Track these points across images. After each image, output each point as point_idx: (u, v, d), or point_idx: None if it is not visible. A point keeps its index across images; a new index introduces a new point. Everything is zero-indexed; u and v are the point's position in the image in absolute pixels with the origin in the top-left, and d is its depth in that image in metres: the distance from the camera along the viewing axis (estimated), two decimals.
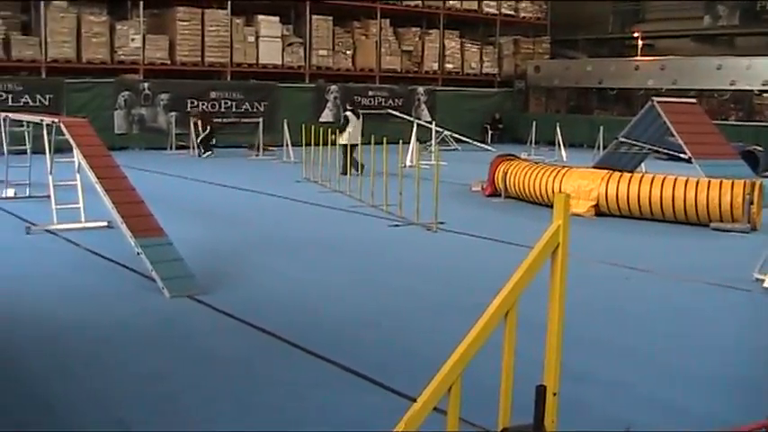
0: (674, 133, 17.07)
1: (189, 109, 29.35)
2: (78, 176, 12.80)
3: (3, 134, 16.46)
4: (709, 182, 14.75)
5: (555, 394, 3.83)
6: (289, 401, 6.10)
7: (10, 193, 16.24)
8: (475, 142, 31.36)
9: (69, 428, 5.62)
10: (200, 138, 26.78)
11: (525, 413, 3.85)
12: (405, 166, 18.52)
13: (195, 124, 27.20)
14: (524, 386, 3.95)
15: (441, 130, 28.93)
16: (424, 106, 35.47)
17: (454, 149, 29.93)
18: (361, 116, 21.91)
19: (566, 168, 16.90)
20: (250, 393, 6.27)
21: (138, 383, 6.49)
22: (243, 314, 8.33)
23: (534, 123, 30.19)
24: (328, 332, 7.92)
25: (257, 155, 26.71)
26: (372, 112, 33.56)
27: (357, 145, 20.83)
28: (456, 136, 30.87)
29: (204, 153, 26.49)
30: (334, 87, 33.31)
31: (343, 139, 20.82)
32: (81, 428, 5.61)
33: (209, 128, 27.03)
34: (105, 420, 5.73)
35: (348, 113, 21.76)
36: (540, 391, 3.61)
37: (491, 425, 3.98)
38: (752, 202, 14.20)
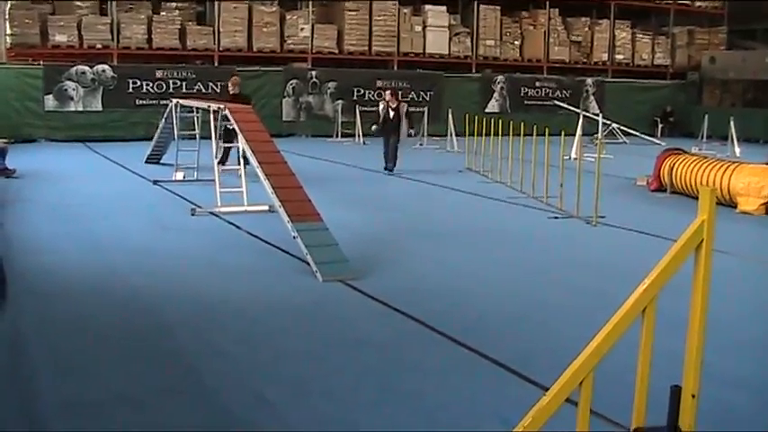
0: None
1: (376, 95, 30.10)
2: (242, 161, 13.15)
3: (174, 119, 17.07)
4: None
5: (694, 396, 3.67)
6: (430, 389, 6.09)
7: (179, 176, 16.84)
8: (644, 136, 30.54)
9: (215, 402, 5.79)
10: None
11: (663, 413, 3.72)
12: (568, 159, 18.25)
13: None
14: (667, 385, 3.81)
15: (608, 122, 28.34)
16: (592, 98, 34.83)
17: (622, 143, 29.28)
18: (399, 110, 19.85)
19: (736, 164, 16.25)
20: (393, 379, 6.29)
21: (285, 363, 6.62)
22: (393, 300, 8.36)
23: (707, 117, 29.21)
24: (477, 321, 7.86)
25: (422, 144, 26.81)
26: (539, 103, 33.25)
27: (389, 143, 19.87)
28: (624, 129, 30.16)
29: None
30: (500, 78, 33.12)
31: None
32: (226, 403, 5.76)
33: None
34: (249, 397, 5.86)
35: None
36: (675, 392, 3.47)
37: (625, 421, 3.85)
38: None
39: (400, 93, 23.50)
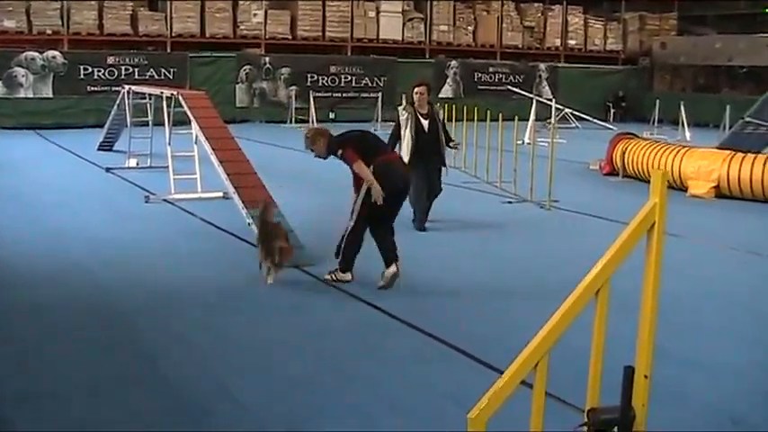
0: None
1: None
2: (195, 148, 13.08)
3: (127, 106, 16.92)
4: None
5: (646, 377, 3.72)
6: (389, 374, 6.13)
7: (132, 163, 16.71)
8: (596, 120, 30.76)
9: (173, 390, 5.78)
10: None
11: (618, 393, 3.76)
12: (522, 143, 18.34)
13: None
14: (622, 367, 3.85)
15: (561, 107, 28.51)
16: (545, 83, 35.00)
17: (575, 127, 29.50)
18: (436, 117, 11.72)
19: (686, 148, 16.46)
20: (353, 365, 6.33)
21: (244, 350, 6.61)
22: (349, 286, 8.39)
23: (658, 102, 29.49)
24: (434, 307, 7.90)
25: (375, 129, 26.79)
26: (492, 88, 33.35)
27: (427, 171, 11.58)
28: (577, 114, 30.37)
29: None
30: (454, 63, 33.18)
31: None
32: (185, 391, 5.74)
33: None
34: (209, 385, 5.85)
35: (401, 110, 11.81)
36: (628, 373, 3.50)
37: (580, 403, 3.89)
38: None
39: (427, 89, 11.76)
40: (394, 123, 11.73)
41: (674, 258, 9.29)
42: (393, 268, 8.39)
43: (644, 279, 3.64)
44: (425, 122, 11.43)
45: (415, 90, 11.51)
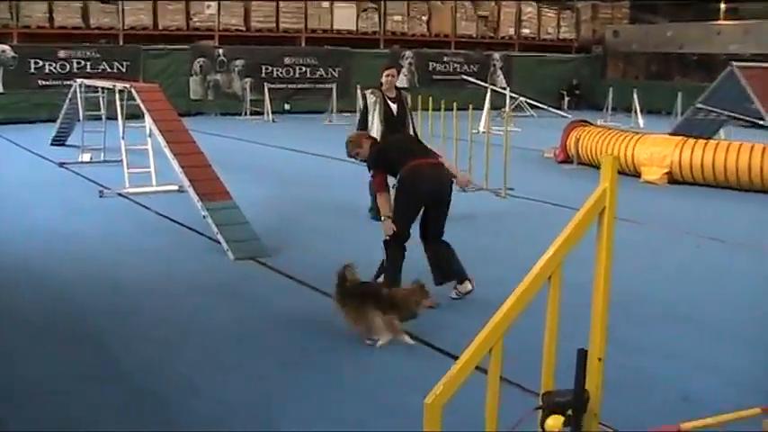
0: (754, 99, 16.63)
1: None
2: (149, 141, 13.00)
3: (79, 100, 16.75)
4: None
5: (600, 359, 3.77)
6: (345, 361, 6.17)
7: (86, 157, 16.56)
8: (551, 109, 30.94)
9: (133, 385, 5.76)
10: None
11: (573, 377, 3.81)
12: (477, 132, 18.41)
13: None
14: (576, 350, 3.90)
15: (516, 96, 28.66)
16: (499, 72, 35.14)
17: (529, 116, 29.63)
18: (404, 101, 11.42)
19: (639, 135, 16.62)
20: (311, 354, 6.34)
21: (203, 343, 6.60)
22: (305, 276, 8.41)
23: (611, 90, 29.73)
24: None
25: (330, 121, 26.77)
26: (447, 78, 33.42)
27: None
28: (531, 102, 30.54)
29: None
30: (408, 53, 33.21)
31: None
32: (145, 386, 5.72)
33: None
34: (169, 379, 5.83)
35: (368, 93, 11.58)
36: (582, 355, 3.54)
37: (535, 387, 3.93)
38: None
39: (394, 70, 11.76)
40: (361, 108, 11.58)
41: (630, 244, 9.42)
42: (468, 285, 7.88)
43: (596, 262, 3.69)
44: (394, 106, 11.20)
45: (385, 72, 11.30)
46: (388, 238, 7.69)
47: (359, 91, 25.72)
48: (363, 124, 11.18)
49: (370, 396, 5.55)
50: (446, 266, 7.86)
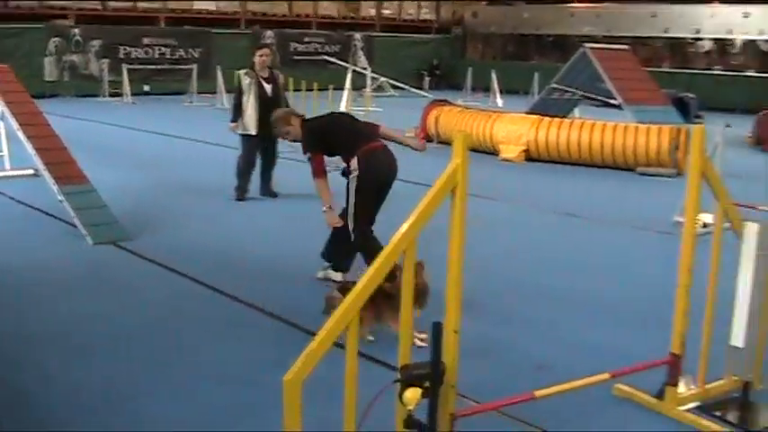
0: (605, 79, 17.19)
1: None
2: (2, 124, 12.59)
3: None
4: (637, 127, 14.94)
5: (456, 332, 3.88)
6: (211, 343, 6.12)
7: None
8: (412, 89, 31.25)
9: None
10: None
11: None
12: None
13: None
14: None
15: (377, 76, 28.82)
16: (361, 53, 35.28)
17: (391, 96, 29.85)
18: (278, 81, 11.55)
19: (497, 114, 16.98)
20: (175, 337, 6.28)
21: (65, 330, 6.45)
22: (166, 260, 8.31)
23: (471, 70, 30.23)
24: (248, 276, 7.91)
25: (191, 102, 26.42)
26: (308, 58, 33.36)
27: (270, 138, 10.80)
28: (393, 82, 30.77)
29: None
30: (269, 33, 32.99)
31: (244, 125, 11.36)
32: (4, 375, 5.56)
33: None
34: (31, 367, 5.68)
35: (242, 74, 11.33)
36: (437, 328, 3.64)
37: (393, 360, 4.02)
38: (677, 147, 14.40)
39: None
40: (235, 90, 11.37)
41: (490, 221, 9.64)
42: (338, 276, 7.53)
43: (450, 237, 3.79)
44: (268, 87, 11.27)
45: (258, 53, 11.36)
46: (354, 236, 7.25)
47: (219, 72, 25.45)
48: (238, 106, 11.22)
49: (233, 377, 5.53)
50: (344, 252, 7.54)
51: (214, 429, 4.76)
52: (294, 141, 7.68)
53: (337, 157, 7.55)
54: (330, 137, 7.38)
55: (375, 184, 7.22)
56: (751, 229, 4.92)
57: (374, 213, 7.38)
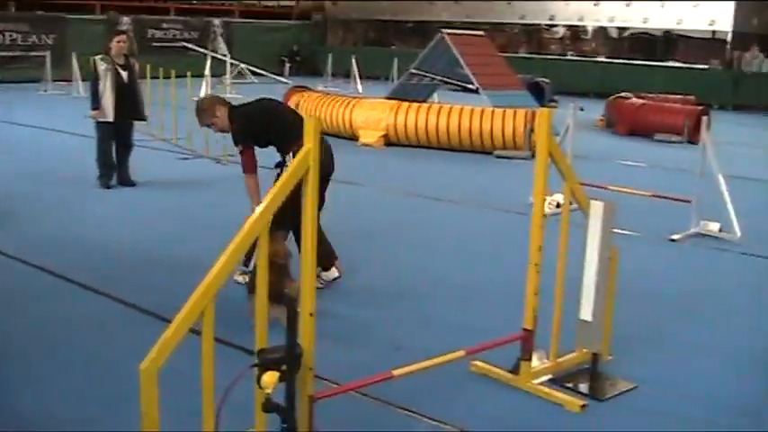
0: (463, 65, 17.47)
1: None
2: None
3: None
4: (493, 111, 15.24)
5: (312, 314, 3.91)
6: (79, 338, 6.00)
7: None
8: (272, 75, 31.08)
9: None
10: None
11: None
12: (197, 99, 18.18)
13: None
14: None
15: (237, 62, 28.57)
16: (220, 39, 34.85)
17: (251, 83, 29.60)
18: (133, 68, 11.35)
19: (356, 99, 17.07)
20: (40, 333, 6.12)
21: None
22: (24, 254, 8.04)
23: (331, 56, 30.28)
24: (115, 269, 7.77)
25: (45, 90, 25.65)
26: (166, 45, 32.80)
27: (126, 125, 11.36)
28: (253, 69, 30.53)
29: None
30: (126, 19, 32.25)
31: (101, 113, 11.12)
32: None
33: None
34: None
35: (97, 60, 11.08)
36: (291, 312, 3.66)
37: (251, 345, 4.02)
38: (533, 131, 14.75)
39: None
40: (92, 77, 11.11)
41: (349, 205, 9.70)
42: (334, 272, 7.11)
43: (303, 221, 3.82)
44: (124, 74, 11.11)
45: (116, 39, 11.23)
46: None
47: (74, 60, 24.78)
48: (95, 92, 11.02)
49: (96, 369, 5.44)
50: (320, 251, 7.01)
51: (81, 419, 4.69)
52: (222, 132, 7.25)
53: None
54: (264, 126, 6.90)
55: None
56: (596, 208, 5.11)
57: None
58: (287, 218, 6.38)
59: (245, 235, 3.63)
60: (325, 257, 6.81)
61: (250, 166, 6.84)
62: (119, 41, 11.13)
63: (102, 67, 10.96)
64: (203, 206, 10.55)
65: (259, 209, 3.66)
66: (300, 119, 6.55)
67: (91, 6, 31.83)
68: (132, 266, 7.86)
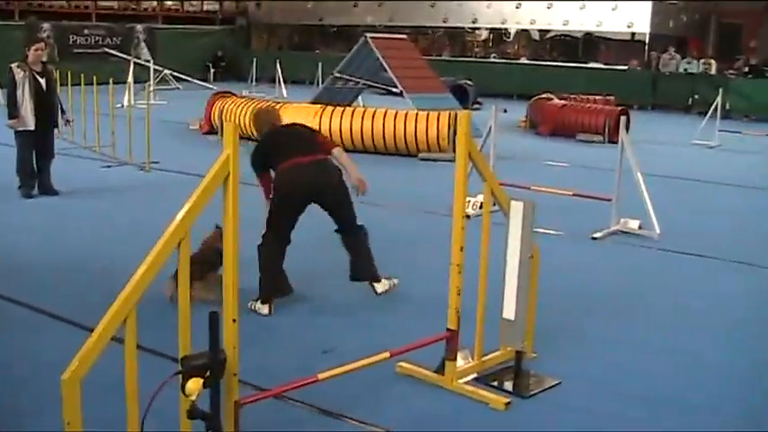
0: (387, 68, 17.54)
1: None
2: None
3: None
4: (417, 114, 15.35)
5: (234, 320, 3.93)
6: None
7: None
8: (197, 81, 30.81)
9: None
10: None
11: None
12: (120, 107, 18.02)
13: None
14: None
15: (160, 69, 28.31)
16: (143, 45, 34.48)
17: (175, 89, 29.37)
18: (51, 75, 11.18)
19: (281, 104, 17.03)
20: None
21: None
22: None
23: (256, 60, 30.19)
24: (29, 277, 7.67)
25: None
26: (89, 51, 32.36)
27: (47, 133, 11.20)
28: (177, 75, 30.26)
29: None
30: (46, 26, 31.72)
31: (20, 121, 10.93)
32: None
33: None
34: None
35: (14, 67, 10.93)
36: (213, 318, 3.66)
37: (174, 353, 4.02)
38: (456, 132, 14.86)
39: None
40: (8, 84, 10.87)
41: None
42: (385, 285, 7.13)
43: (224, 227, 3.83)
44: (42, 81, 10.91)
45: (34, 47, 10.98)
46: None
47: None
48: (13, 100, 10.80)
49: (17, 380, 5.38)
50: (359, 264, 7.12)
51: None
52: None
53: None
54: (269, 149, 6.89)
55: (286, 202, 6.74)
56: (516, 208, 5.20)
57: (286, 230, 6.89)
58: (282, 226, 6.69)
59: (167, 240, 3.63)
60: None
61: (266, 193, 6.89)
62: (36, 49, 10.94)
63: (19, 74, 10.78)
64: (127, 213, 10.46)
65: (180, 215, 3.66)
66: (299, 144, 6.80)
67: (9, 12, 31.24)
68: (55, 276, 7.77)
